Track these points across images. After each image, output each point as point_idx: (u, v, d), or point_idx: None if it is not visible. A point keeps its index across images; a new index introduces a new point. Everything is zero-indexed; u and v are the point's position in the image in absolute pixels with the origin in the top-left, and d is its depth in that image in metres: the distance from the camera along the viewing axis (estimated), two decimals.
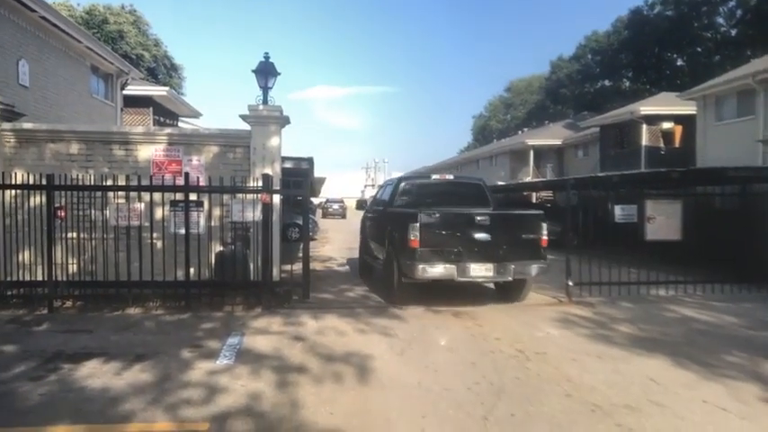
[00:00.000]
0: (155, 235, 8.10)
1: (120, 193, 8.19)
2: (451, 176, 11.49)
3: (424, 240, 7.96)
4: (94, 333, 6.51)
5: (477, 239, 8.09)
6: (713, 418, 4.26)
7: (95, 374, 5.00)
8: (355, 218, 45.68)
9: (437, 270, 7.95)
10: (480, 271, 8.10)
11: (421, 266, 7.88)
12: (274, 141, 9.19)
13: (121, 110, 18.01)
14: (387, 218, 9.59)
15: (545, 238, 8.36)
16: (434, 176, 10.83)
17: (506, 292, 9.05)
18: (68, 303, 8.00)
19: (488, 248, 8.10)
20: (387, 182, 12.42)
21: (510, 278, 8.20)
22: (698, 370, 5.34)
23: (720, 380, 5.07)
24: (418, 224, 7.98)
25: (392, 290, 8.72)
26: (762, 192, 10.47)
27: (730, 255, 10.10)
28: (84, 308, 7.84)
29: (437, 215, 8.25)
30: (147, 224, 8.12)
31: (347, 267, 13.31)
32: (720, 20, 42.00)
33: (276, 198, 8.67)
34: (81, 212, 8.18)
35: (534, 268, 8.21)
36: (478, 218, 8.23)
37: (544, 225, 8.40)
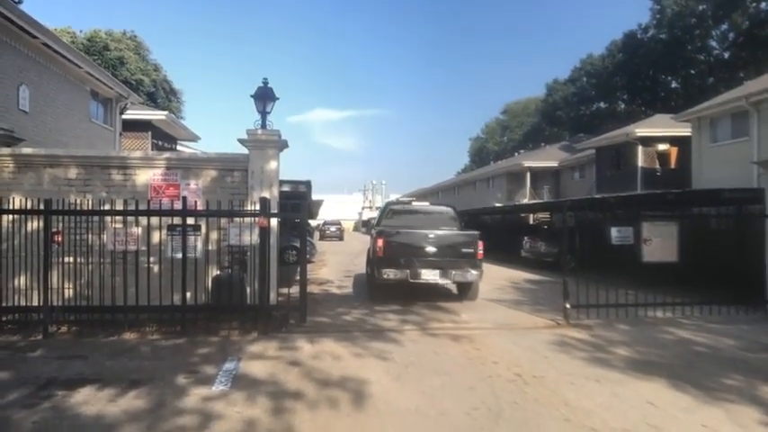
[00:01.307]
0: (151, 259, 8.09)
1: (117, 217, 8.20)
2: (428, 203, 14.70)
3: (386, 251, 10.71)
4: (89, 359, 6.46)
5: (427, 251, 10.72)
6: None
7: (90, 401, 4.95)
8: (353, 240, 46.02)
9: (395, 273, 10.61)
10: (429, 275, 10.70)
11: (384, 271, 10.64)
12: (272, 165, 9.24)
13: (120, 134, 18.12)
14: (371, 235, 12.06)
15: (480, 252, 10.90)
16: (414, 203, 14.02)
17: (463, 293, 11.66)
18: (63, 329, 7.94)
19: (435, 258, 10.71)
20: (382, 206, 15.13)
21: (450, 281, 11.03)
22: (696, 393, 5.32)
23: (719, 403, 5.04)
24: (382, 240, 10.80)
25: (372, 291, 11.57)
26: (757, 213, 10.50)
27: (727, 276, 10.10)
28: (79, 333, 7.79)
29: (396, 233, 11.00)
30: (144, 248, 8.12)
31: (345, 290, 13.26)
32: (713, 43, 42.57)
33: (274, 221, 8.69)
34: (78, 237, 8.16)
35: (471, 275, 10.76)
36: (428, 236, 10.82)
37: (479, 243, 10.92)
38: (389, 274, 10.60)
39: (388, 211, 12.91)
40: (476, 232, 11.30)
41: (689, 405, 5.01)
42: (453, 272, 10.67)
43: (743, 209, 11.64)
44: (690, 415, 4.75)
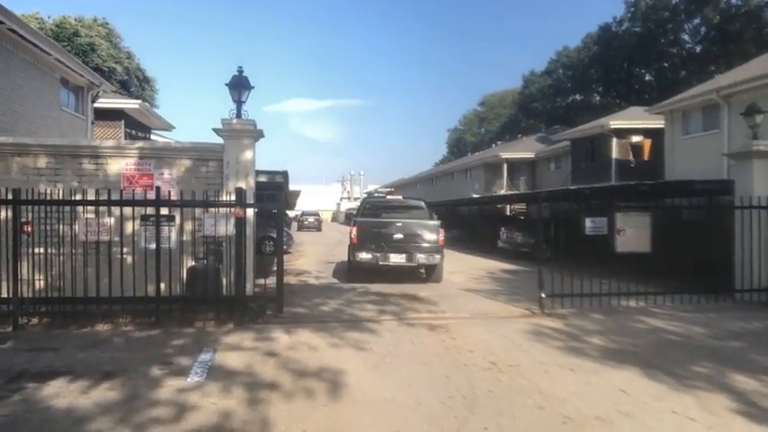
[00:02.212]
0: (125, 250, 7.96)
1: (89, 207, 8.04)
2: (401, 197, 16.15)
3: (359, 238, 12.49)
4: (61, 351, 6.34)
5: (395, 238, 12.43)
6: (682, 428, 4.33)
7: (61, 394, 4.87)
8: (331, 231, 45.94)
9: (367, 256, 12.36)
10: (396, 258, 12.38)
11: (358, 254, 12.42)
12: (248, 155, 9.15)
13: (92, 123, 17.74)
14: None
15: (442, 239, 12.71)
16: (389, 197, 15.49)
17: (428, 275, 13.03)
18: (34, 320, 7.79)
19: (402, 244, 12.40)
20: (362, 200, 17.29)
21: (415, 264, 12.51)
22: (667, 381, 5.43)
23: (689, 390, 5.16)
24: (356, 228, 12.68)
25: (349, 272, 13.25)
26: (727, 204, 10.74)
27: (697, 266, 10.32)
28: (50, 325, 7.64)
29: (368, 222, 12.82)
30: (116, 239, 7.99)
31: (323, 281, 13.24)
32: (686, 36, 43.24)
33: (250, 212, 8.61)
34: (49, 227, 7.98)
35: (433, 258, 12.44)
36: (396, 224, 12.61)
37: (441, 230, 12.76)
38: (362, 257, 12.37)
39: (366, 204, 14.56)
40: (438, 222, 12.98)
41: (660, 392, 5.11)
42: (418, 256, 12.36)
43: (713, 200, 11.89)
44: (661, 402, 4.85)
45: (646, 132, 24.07)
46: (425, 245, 12.47)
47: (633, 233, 9.64)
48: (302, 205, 50.46)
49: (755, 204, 10.05)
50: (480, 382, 5.38)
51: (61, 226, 7.97)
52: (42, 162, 8.99)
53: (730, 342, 7.16)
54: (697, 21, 41.58)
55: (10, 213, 7.68)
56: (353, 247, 12.65)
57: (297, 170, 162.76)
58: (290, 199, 24.45)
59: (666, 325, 8.18)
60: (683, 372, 5.74)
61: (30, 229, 7.93)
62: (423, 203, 14.19)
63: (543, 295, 9.13)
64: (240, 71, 9.34)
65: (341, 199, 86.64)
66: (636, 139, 24.48)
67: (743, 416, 4.55)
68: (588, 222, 9.40)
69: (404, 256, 12.34)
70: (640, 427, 4.30)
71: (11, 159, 8.90)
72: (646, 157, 24.25)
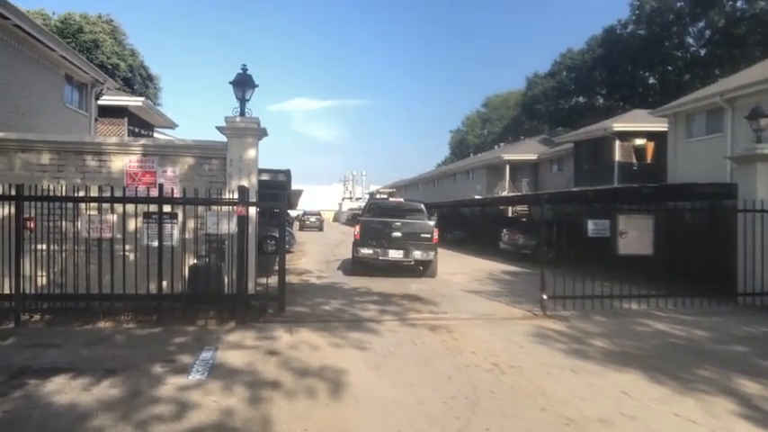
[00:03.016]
0: (127, 247, 7.96)
1: (92, 204, 8.04)
2: (402, 199, 17.91)
3: (362, 235, 13.92)
4: (63, 347, 6.34)
5: (393, 236, 13.75)
6: (684, 431, 4.32)
7: (63, 390, 4.87)
8: (333, 230, 46.00)
9: (368, 252, 13.79)
10: (394, 254, 13.72)
11: (360, 250, 13.88)
12: (251, 153, 9.14)
13: (96, 120, 17.75)
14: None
15: (436, 238, 14.03)
16: (392, 199, 17.41)
17: (423, 270, 14.20)
18: (36, 317, 7.78)
19: (399, 241, 13.74)
20: (367, 201, 19.61)
21: (412, 260, 13.83)
22: (670, 384, 5.42)
23: (692, 393, 5.15)
24: (359, 226, 14.21)
25: (353, 265, 14.43)
26: (730, 207, 10.71)
27: (700, 269, 10.30)
28: (52, 321, 7.64)
29: (370, 221, 14.26)
30: (119, 236, 7.99)
31: (324, 280, 13.23)
32: (690, 40, 43.11)
33: (252, 210, 8.61)
34: (51, 224, 7.97)
35: (428, 255, 13.76)
36: (394, 224, 13.96)
37: (435, 230, 14.08)
38: (364, 252, 13.84)
39: (370, 205, 16.18)
40: (433, 223, 14.37)
41: (662, 395, 5.10)
42: (414, 252, 13.70)
43: (716, 203, 11.86)
44: (663, 405, 4.84)
45: (649, 135, 24.04)
46: (421, 243, 13.79)
47: (635, 236, 9.61)
48: (304, 205, 50.54)
49: (758, 208, 10.03)
50: (482, 382, 5.37)
51: (64, 222, 7.97)
52: (46, 158, 9.00)
53: (733, 346, 7.14)
54: (702, 24, 41.48)
55: (13, 209, 7.68)
56: (357, 243, 13.99)
57: (299, 170, 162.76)
58: (292, 198, 24.48)
59: (669, 328, 8.16)
60: (686, 375, 5.73)
61: (32, 225, 7.92)
62: (421, 206, 15.61)
63: (545, 297, 9.12)
64: (244, 69, 9.33)
65: (343, 199, 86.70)
66: (639, 141, 24.44)
67: (745, 419, 4.53)
68: (590, 224, 9.38)
69: (401, 252, 13.69)
70: (643, 430, 4.29)
71: (14, 155, 8.91)
72: (648, 160, 24.21)
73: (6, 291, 7.81)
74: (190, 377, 5.34)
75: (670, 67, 43.81)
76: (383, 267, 14.31)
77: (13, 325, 7.41)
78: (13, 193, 7.68)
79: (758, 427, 4.40)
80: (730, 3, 38.71)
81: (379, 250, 13.69)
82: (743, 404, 4.88)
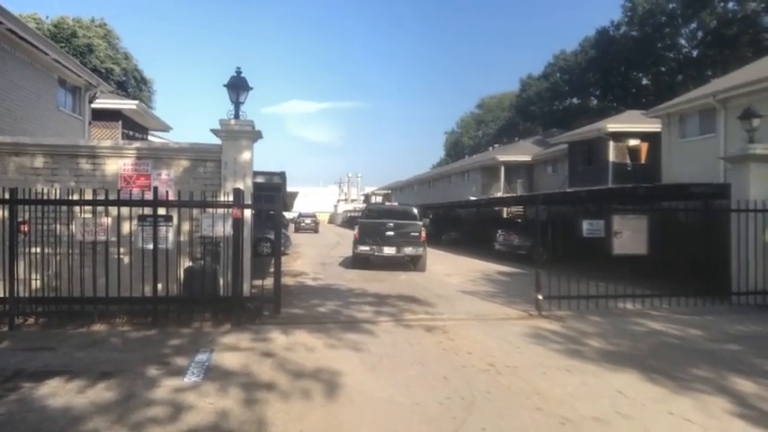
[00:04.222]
0: (122, 250, 7.94)
1: (86, 207, 8.01)
2: (396, 203, 20.40)
3: (360, 234, 16.20)
4: (57, 350, 6.32)
5: (387, 235, 15.91)
6: (679, 429, 4.34)
7: (57, 393, 4.85)
8: (328, 232, 46.02)
9: (366, 248, 15.99)
10: (388, 250, 15.88)
11: (359, 247, 16.10)
12: (246, 156, 9.14)
13: (90, 123, 17.71)
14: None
15: (423, 236, 16.09)
16: (387, 203, 21.62)
17: (414, 265, 16.28)
18: (31, 320, 7.76)
19: (392, 239, 15.86)
20: (365, 206, 23.24)
21: (403, 255, 15.99)
22: (665, 383, 5.44)
23: (686, 392, 5.17)
24: (358, 226, 16.63)
25: (353, 260, 16.69)
26: (723, 207, 10.77)
27: (694, 268, 10.34)
28: (47, 325, 7.61)
29: (367, 222, 16.64)
30: (114, 239, 7.96)
31: (320, 282, 13.22)
32: (683, 41, 43.39)
33: (247, 213, 8.60)
34: (46, 227, 7.96)
35: (417, 250, 15.86)
36: (387, 224, 16.11)
37: (423, 230, 16.24)
38: (362, 249, 16.05)
39: (368, 209, 19.39)
40: (421, 222, 16.69)
41: (657, 394, 5.12)
42: (405, 249, 15.84)
43: (710, 203, 11.93)
44: (658, 404, 4.86)
45: (643, 136, 24.14)
46: (411, 240, 15.92)
47: (630, 236, 9.63)
48: (299, 207, 50.52)
49: (752, 207, 10.08)
50: (478, 383, 5.38)
51: (58, 226, 7.96)
52: (39, 162, 8.97)
53: (727, 345, 7.18)
54: (694, 25, 41.78)
55: (7, 213, 7.66)
56: (356, 242, 16.31)
57: (294, 172, 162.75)
58: (287, 200, 24.46)
59: (663, 327, 8.19)
60: (681, 374, 5.75)
61: (27, 228, 7.90)
62: (413, 208, 18.40)
63: (540, 297, 9.14)
64: (239, 72, 9.34)
65: (338, 201, 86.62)
66: (633, 142, 24.53)
67: (740, 418, 4.56)
68: (585, 225, 9.40)
69: (394, 248, 15.86)
70: (638, 429, 4.31)
71: (8, 159, 8.87)
72: (642, 161, 24.31)
73: (0, 294, 7.77)
74: (185, 379, 5.33)
75: (663, 68, 44.10)
76: (379, 263, 16.54)
77: (8, 328, 7.37)
78: (7, 196, 7.66)
79: (752, 425, 4.42)
80: (722, 4, 39.02)
81: (375, 247, 15.85)
82: (737, 402, 4.90)
